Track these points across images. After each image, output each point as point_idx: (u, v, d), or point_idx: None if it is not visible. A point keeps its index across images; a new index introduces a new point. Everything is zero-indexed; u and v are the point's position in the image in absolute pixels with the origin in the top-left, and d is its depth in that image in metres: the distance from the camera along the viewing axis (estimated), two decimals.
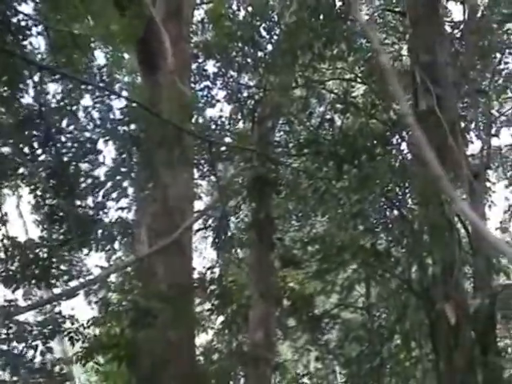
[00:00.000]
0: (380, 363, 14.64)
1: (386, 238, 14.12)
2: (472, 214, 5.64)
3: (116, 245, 14.92)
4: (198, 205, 17.28)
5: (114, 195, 14.28)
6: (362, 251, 12.98)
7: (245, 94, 16.74)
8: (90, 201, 14.04)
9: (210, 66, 16.74)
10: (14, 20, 11.95)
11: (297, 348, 18.97)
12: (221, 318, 16.66)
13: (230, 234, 14.62)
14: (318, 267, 14.00)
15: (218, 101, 17.10)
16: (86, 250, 14.12)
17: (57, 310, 14.07)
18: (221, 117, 16.62)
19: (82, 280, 14.54)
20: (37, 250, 13.14)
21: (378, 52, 6.52)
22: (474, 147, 16.54)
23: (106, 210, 14.32)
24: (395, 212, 13.82)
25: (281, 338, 17.88)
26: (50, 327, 12.84)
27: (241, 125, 17.45)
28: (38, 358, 12.53)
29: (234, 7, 17.54)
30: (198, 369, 12.74)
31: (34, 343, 12.42)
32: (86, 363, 12.18)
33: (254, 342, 15.66)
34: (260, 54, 15.30)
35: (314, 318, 16.52)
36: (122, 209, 14.91)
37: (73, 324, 13.52)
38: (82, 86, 13.99)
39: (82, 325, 13.19)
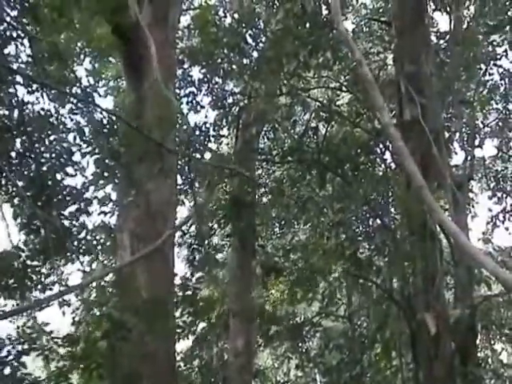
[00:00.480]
0: (360, 372, 14.64)
1: (368, 247, 14.14)
2: (452, 225, 5.65)
3: (97, 250, 14.86)
4: (182, 210, 17.27)
5: (95, 203, 14.26)
6: (344, 260, 12.99)
7: (230, 101, 16.72)
8: (69, 210, 13.95)
9: (196, 72, 16.73)
10: None
11: (277, 355, 18.95)
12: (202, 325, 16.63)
13: (205, 252, 14.52)
14: (300, 275, 13.99)
15: (203, 107, 17.08)
16: (64, 260, 14.00)
17: (31, 323, 13.89)
18: (205, 123, 16.59)
19: (60, 289, 14.43)
20: (12, 260, 12.98)
21: (359, 63, 6.52)
22: (458, 158, 16.62)
23: (82, 220, 14.27)
24: (378, 221, 13.83)
25: (261, 345, 17.84)
26: (26, 344, 12.62)
27: (225, 131, 17.45)
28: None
29: (221, 14, 17.58)
30: (177, 379, 12.64)
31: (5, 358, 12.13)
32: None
33: (234, 349, 15.64)
34: (246, 60, 15.28)
35: (295, 326, 16.50)
36: (105, 213, 14.87)
37: (48, 342, 13.36)
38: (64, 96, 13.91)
39: (56, 342, 13.04)
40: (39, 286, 13.54)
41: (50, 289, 14.04)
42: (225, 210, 14.66)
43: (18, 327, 13.36)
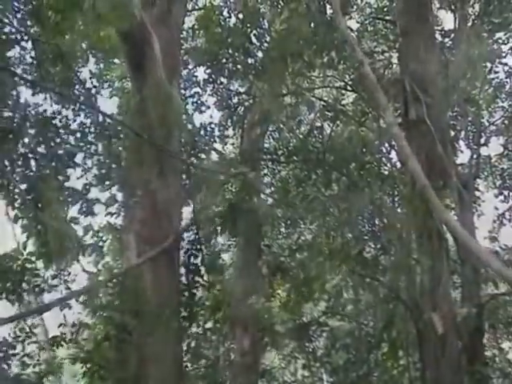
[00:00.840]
0: (367, 371, 14.62)
1: (374, 246, 14.10)
2: (457, 225, 5.64)
3: (103, 251, 14.91)
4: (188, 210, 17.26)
5: (101, 204, 14.32)
6: (350, 259, 12.95)
7: (235, 101, 16.72)
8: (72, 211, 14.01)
9: (201, 73, 16.75)
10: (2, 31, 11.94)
11: (284, 355, 18.92)
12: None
13: (202, 258, 14.43)
14: (306, 275, 13.96)
15: (208, 107, 17.10)
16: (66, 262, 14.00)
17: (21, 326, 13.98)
18: (210, 123, 16.61)
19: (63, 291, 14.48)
20: (10, 263, 13.00)
21: (361, 63, 6.52)
22: (464, 156, 16.56)
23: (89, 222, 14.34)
24: (384, 220, 13.80)
25: (267, 345, 17.81)
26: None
27: (230, 131, 17.45)
28: None
29: (225, 14, 17.55)
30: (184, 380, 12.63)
31: None
32: None
33: (241, 348, 15.62)
34: (250, 60, 15.27)
35: (302, 326, 16.46)
36: (111, 214, 14.93)
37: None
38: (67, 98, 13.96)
39: (40, 345, 13.10)
40: (36, 289, 13.55)
41: (54, 290, 14.09)
42: (222, 217, 14.61)
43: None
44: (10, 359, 13.20)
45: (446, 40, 16.63)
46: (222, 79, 16.39)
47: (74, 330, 13.42)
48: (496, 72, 17.52)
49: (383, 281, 12.98)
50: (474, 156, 16.47)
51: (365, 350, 14.95)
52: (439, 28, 16.86)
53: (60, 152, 13.33)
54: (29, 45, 13.00)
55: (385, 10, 17.63)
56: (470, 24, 16.57)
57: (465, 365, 11.47)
